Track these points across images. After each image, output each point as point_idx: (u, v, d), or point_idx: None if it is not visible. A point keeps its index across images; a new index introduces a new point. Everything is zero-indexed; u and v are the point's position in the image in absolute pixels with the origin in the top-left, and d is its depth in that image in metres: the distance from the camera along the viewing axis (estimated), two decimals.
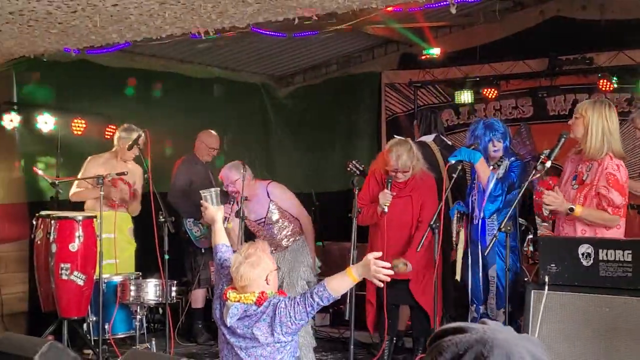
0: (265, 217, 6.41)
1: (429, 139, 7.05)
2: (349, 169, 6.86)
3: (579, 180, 5.00)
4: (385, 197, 5.82)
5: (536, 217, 6.13)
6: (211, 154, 7.75)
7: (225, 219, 6.31)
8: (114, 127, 8.01)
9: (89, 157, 7.23)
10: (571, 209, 4.84)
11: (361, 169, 6.81)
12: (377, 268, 3.74)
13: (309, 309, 3.80)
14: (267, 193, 6.39)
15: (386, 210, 5.81)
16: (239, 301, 3.89)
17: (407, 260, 5.83)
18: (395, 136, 6.48)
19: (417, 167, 6.03)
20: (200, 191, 4.76)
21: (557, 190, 4.91)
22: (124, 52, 8.09)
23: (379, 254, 3.83)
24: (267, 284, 3.92)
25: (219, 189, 5.02)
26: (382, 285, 3.87)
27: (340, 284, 3.85)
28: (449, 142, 7.50)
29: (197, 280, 7.53)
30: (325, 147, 10.34)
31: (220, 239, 4.39)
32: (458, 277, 5.83)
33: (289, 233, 6.48)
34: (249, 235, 6.66)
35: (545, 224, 6.90)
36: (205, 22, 5.30)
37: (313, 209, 8.27)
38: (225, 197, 6.38)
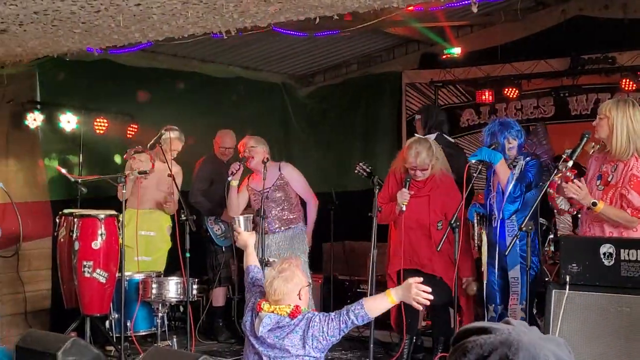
0: (269, 189, 6.49)
1: (430, 137, 7.06)
2: (356, 171, 6.90)
3: (604, 181, 4.98)
4: (403, 196, 5.84)
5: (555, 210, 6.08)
6: (225, 154, 7.78)
7: (231, 174, 6.51)
8: (136, 126, 8.08)
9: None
10: (594, 204, 4.82)
11: (369, 170, 6.84)
12: (418, 291, 3.77)
13: (342, 325, 3.84)
14: (279, 168, 6.54)
15: (404, 209, 5.83)
16: (273, 312, 3.95)
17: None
18: (415, 134, 6.49)
19: (436, 167, 6.04)
20: (234, 216, 4.90)
21: (582, 181, 4.88)
22: (146, 51, 8.15)
23: (420, 278, 3.84)
24: (300, 298, 3.99)
25: (251, 215, 5.13)
26: (421, 308, 3.90)
27: (378, 305, 3.91)
28: (452, 140, 7.51)
29: (218, 278, 7.58)
30: (345, 147, 10.34)
31: (252, 261, 4.50)
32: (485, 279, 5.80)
33: (285, 217, 6.58)
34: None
35: (567, 221, 6.87)
36: (227, 21, 5.33)
37: (333, 208, 8.30)
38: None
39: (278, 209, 6.69)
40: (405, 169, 6.06)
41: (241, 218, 4.77)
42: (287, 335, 3.88)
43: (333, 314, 3.90)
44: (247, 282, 4.40)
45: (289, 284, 3.95)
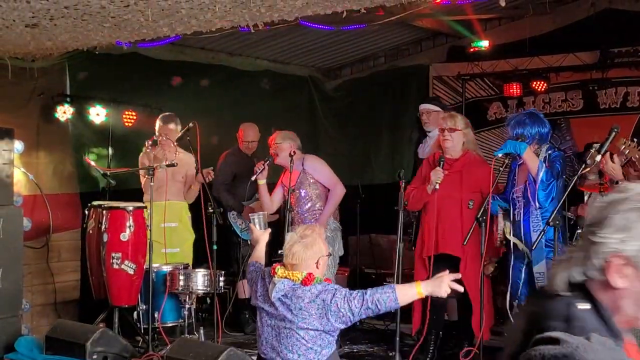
0: (295, 186, 6.52)
1: None
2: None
3: None
4: (437, 175, 5.83)
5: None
6: (249, 148, 7.82)
7: (256, 173, 6.53)
8: None
9: (141, 154, 7.35)
10: (617, 182, 4.86)
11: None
12: (448, 287, 3.82)
13: (368, 305, 3.78)
14: (302, 162, 6.53)
15: (437, 187, 5.81)
16: (286, 277, 3.91)
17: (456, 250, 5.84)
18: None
19: (469, 146, 6.02)
20: (250, 214, 4.93)
21: (615, 160, 4.88)
22: (174, 45, 8.20)
23: (453, 276, 3.89)
24: (317, 267, 3.95)
25: (266, 212, 5.16)
26: (445, 296, 3.90)
27: (407, 294, 3.86)
28: None
29: (243, 270, 7.61)
30: (372, 140, 10.34)
31: (256, 257, 4.46)
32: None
33: (318, 210, 6.57)
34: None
35: None
36: (255, 15, 5.35)
37: (359, 201, 8.31)
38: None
39: (309, 204, 6.67)
40: (442, 151, 6.05)
41: (255, 216, 4.78)
42: (304, 303, 3.83)
43: (355, 292, 3.84)
44: (247, 278, 4.41)
45: (308, 251, 3.91)
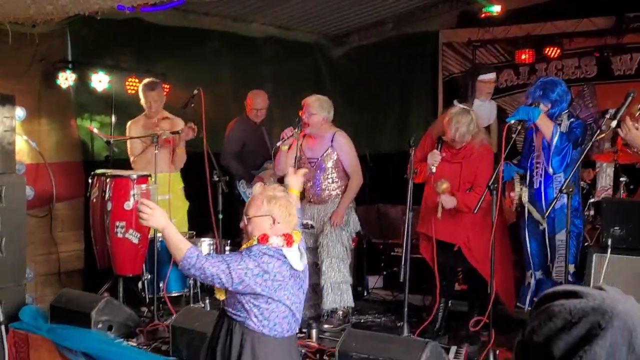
0: (318, 159, 6.33)
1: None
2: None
3: None
4: (434, 157, 5.69)
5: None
6: (258, 115, 7.68)
7: (283, 140, 6.28)
8: (168, 86, 7.99)
9: (129, 124, 7.21)
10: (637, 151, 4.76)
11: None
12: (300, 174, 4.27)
13: None
14: (332, 138, 6.32)
15: (433, 170, 5.68)
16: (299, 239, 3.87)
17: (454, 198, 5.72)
18: (455, 103, 6.27)
19: (477, 137, 5.86)
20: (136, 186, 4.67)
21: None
22: (177, 10, 8.03)
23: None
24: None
25: (157, 185, 4.87)
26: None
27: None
28: None
29: None
30: (380, 108, 10.20)
31: (186, 243, 3.66)
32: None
33: (334, 188, 6.38)
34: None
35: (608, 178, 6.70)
36: None
37: (367, 170, 8.17)
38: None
39: (325, 181, 6.45)
40: (443, 132, 5.90)
41: (152, 188, 4.44)
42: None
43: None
44: (221, 269, 3.66)
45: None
